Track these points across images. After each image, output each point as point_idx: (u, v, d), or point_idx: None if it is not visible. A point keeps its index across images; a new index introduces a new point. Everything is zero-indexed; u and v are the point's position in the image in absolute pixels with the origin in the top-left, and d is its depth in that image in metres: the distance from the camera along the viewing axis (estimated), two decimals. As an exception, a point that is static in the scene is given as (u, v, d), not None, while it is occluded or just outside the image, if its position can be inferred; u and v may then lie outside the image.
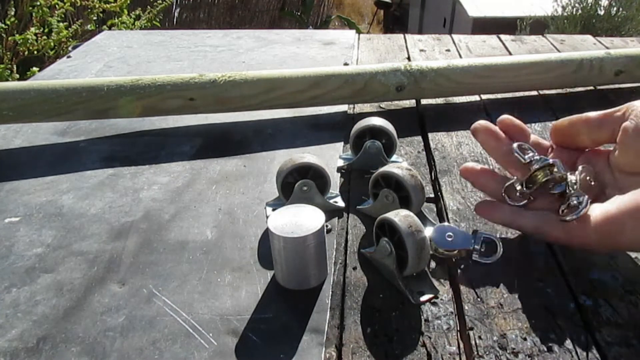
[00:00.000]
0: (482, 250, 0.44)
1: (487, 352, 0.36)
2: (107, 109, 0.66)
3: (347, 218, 0.51)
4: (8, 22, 1.90)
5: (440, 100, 0.77)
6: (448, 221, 0.49)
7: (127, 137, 0.68)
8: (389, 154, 0.57)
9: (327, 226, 0.48)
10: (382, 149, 0.56)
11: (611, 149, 0.44)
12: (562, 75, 0.75)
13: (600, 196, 0.43)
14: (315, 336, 0.37)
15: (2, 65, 1.81)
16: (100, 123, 0.71)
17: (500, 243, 0.44)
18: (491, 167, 0.59)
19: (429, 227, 0.46)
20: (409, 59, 0.96)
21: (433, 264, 0.44)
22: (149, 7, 2.41)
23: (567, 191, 0.43)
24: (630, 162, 0.42)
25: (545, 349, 0.36)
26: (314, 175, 0.49)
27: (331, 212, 0.50)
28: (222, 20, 4.60)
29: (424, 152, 0.63)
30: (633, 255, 0.45)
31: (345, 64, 0.90)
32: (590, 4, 2.76)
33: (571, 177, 0.43)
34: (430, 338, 0.37)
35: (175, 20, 4.25)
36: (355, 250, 0.46)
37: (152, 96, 0.66)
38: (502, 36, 1.07)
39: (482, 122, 0.48)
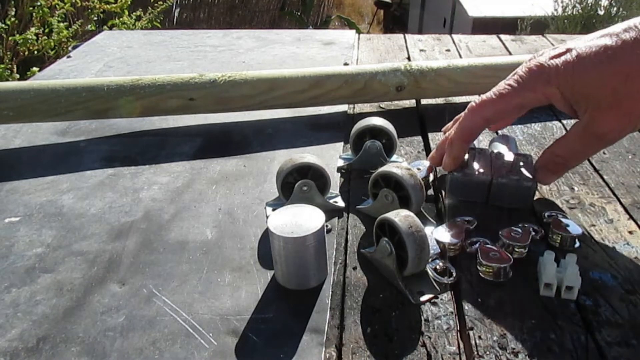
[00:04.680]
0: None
1: (487, 352, 0.36)
2: (107, 109, 0.66)
3: (347, 218, 0.51)
4: (8, 22, 1.90)
5: (440, 100, 0.77)
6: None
7: (127, 137, 0.68)
8: (389, 154, 0.57)
9: (327, 226, 0.48)
10: (382, 149, 0.56)
11: None
12: (562, 75, 0.75)
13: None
14: (315, 336, 0.37)
15: (2, 65, 1.81)
16: (100, 123, 0.71)
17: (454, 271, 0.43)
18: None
19: (429, 227, 0.46)
20: (409, 59, 0.96)
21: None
22: (149, 7, 2.41)
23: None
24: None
25: (545, 349, 0.36)
26: (314, 175, 0.49)
27: (331, 212, 0.50)
28: (222, 20, 4.60)
29: (424, 152, 0.63)
30: (633, 255, 0.45)
31: (345, 64, 0.90)
32: (590, 4, 2.76)
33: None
34: (430, 338, 0.37)
35: (175, 20, 4.25)
36: (355, 250, 0.46)
37: (152, 96, 0.66)
38: (502, 36, 1.07)
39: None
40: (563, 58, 0.46)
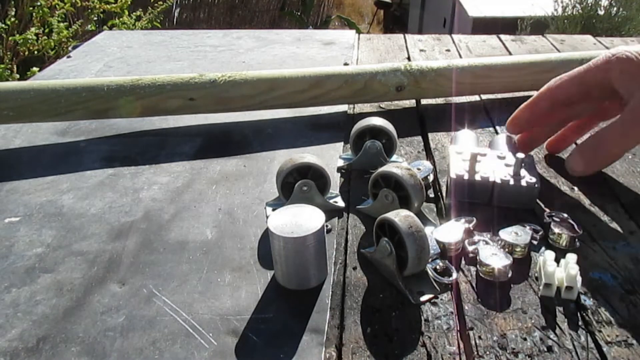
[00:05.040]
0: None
1: (487, 352, 0.36)
2: (107, 109, 0.66)
3: (347, 218, 0.51)
4: (8, 22, 1.90)
5: (440, 100, 0.77)
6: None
7: (127, 137, 0.68)
8: (389, 154, 0.57)
9: (327, 226, 0.48)
10: (382, 149, 0.56)
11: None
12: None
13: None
14: (315, 336, 0.37)
15: (2, 65, 1.81)
16: (100, 123, 0.71)
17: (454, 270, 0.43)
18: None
19: (429, 227, 0.46)
20: (409, 59, 0.96)
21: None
22: (149, 7, 2.41)
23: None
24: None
25: (545, 349, 0.36)
26: (314, 175, 0.49)
27: (331, 212, 0.50)
28: (222, 20, 4.61)
29: (424, 152, 0.63)
30: (633, 255, 0.45)
31: (345, 64, 0.90)
32: (590, 4, 2.75)
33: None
34: (430, 338, 0.37)
35: (175, 20, 4.25)
36: (355, 250, 0.46)
37: (152, 96, 0.66)
38: (502, 36, 1.07)
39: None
40: (635, 47, 0.47)
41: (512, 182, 0.49)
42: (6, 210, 0.53)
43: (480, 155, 0.53)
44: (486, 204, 0.51)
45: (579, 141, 0.60)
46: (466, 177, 0.50)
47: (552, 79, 0.54)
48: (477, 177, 0.50)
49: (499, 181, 0.50)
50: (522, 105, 0.56)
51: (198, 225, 0.50)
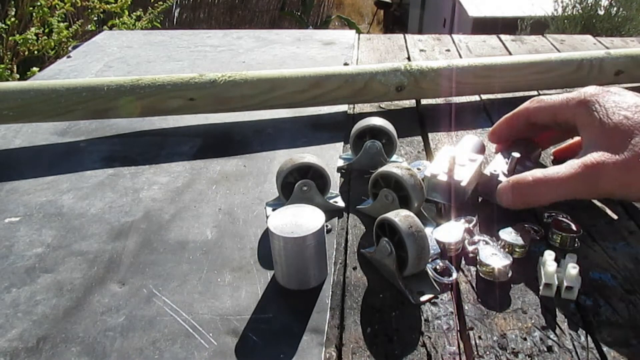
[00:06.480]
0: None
1: (487, 352, 0.36)
2: (107, 109, 0.66)
3: (347, 218, 0.51)
4: (8, 22, 1.89)
5: (440, 100, 0.77)
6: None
7: (127, 137, 0.68)
8: (389, 154, 0.57)
9: (327, 226, 0.48)
10: (382, 149, 0.56)
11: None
12: (562, 75, 0.75)
13: None
14: (315, 336, 0.37)
15: (2, 65, 1.81)
16: (100, 123, 0.71)
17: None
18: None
19: (429, 227, 0.46)
20: (409, 59, 0.96)
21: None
22: (149, 8, 2.41)
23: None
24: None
25: (545, 349, 0.36)
26: (314, 175, 0.49)
27: (331, 212, 0.50)
28: (222, 20, 4.61)
29: (424, 152, 0.63)
30: (633, 255, 0.45)
31: (345, 64, 0.90)
32: (590, 4, 2.76)
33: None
34: (430, 338, 0.37)
35: (175, 20, 4.25)
36: (355, 250, 0.46)
37: (152, 96, 0.66)
38: (502, 36, 1.07)
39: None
40: (604, 93, 0.49)
41: (487, 173, 0.51)
42: (6, 210, 0.53)
43: (460, 159, 0.52)
44: (458, 206, 0.50)
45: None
46: (442, 177, 0.50)
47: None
48: (444, 178, 0.49)
49: (487, 174, 0.51)
50: (501, 119, 0.58)
51: (198, 225, 0.50)
